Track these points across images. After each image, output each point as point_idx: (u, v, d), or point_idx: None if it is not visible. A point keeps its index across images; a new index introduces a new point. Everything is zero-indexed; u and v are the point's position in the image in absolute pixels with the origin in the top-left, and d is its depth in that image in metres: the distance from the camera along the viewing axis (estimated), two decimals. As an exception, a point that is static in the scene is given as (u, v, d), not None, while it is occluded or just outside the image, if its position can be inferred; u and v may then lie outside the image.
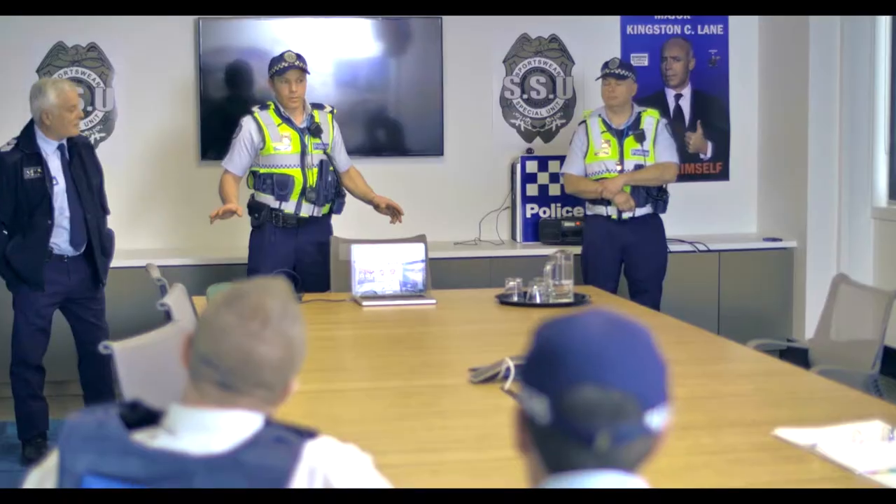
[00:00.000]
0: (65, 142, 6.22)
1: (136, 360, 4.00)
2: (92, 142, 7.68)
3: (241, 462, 2.09)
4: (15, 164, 6.09)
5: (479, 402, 4.08)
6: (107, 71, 8.02)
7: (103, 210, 6.47)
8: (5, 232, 6.13)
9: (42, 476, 2.17)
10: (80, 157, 6.28)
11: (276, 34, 8.03)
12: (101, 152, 7.61)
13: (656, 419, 1.84)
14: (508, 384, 4.09)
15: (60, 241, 6.20)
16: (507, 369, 4.16)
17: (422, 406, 4.06)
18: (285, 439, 2.14)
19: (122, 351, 3.95)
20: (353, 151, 7.78)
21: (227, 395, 2.16)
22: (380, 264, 6.15)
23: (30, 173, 6.09)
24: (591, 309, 1.91)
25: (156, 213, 8.13)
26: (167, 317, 4.75)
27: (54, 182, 6.14)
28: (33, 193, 6.10)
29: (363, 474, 2.17)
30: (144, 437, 2.14)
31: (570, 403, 1.78)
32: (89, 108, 7.98)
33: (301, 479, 2.09)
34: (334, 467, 2.14)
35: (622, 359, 1.81)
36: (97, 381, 6.33)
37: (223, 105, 7.96)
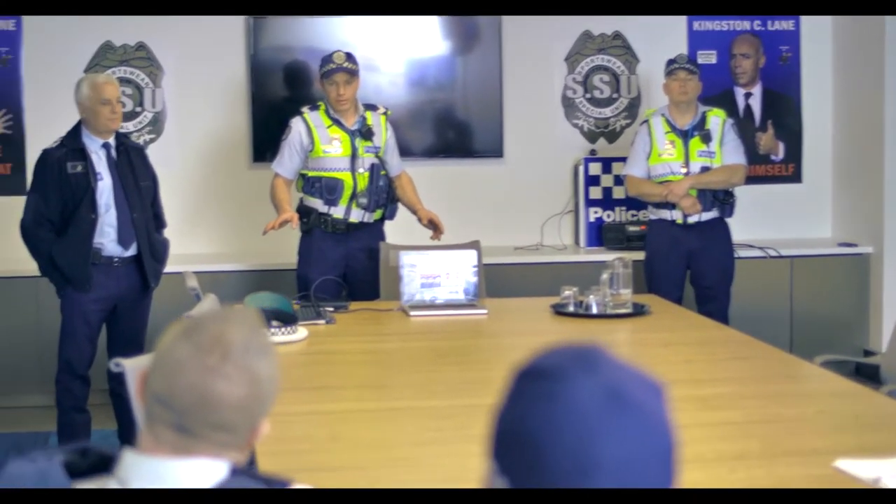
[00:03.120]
0: (112, 141, 6.06)
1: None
2: (142, 143, 7.55)
3: None
4: (59, 160, 5.97)
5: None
6: (156, 71, 7.83)
7: (157, 219, 6.28)
8: (54, 234, 5.97)
9: None
10: (129, 158, 6.11)
11: (330, 32, 7.80)
12: (151, 154, 7.43)
13: None
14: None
15: (107, 240, 6.03)
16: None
17: (456, 429, 3.77)
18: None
19: (135, 368, 3.71)
20: (411, 153, 7.60)
21: (184, 439, 1.89)
22: (430, 272, 5.89)
23: (73, 168, 5.96)
24: (592, 357, 1.53)
25: (206, 217, 7.92)
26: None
27: (98, 177, 6.00)
28: (77, 188, 5.95)
29: None
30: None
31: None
32: (138, 109, 7.81)
33: None
34: None
35: (617, 453, 1.45)
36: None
37: (277, 106, 7.71)
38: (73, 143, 6.02)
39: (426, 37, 8.06)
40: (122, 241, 6.05)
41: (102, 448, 1.95)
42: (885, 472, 3.13)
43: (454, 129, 8.23)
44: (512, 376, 1.56)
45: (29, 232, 6.00)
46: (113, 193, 6.03)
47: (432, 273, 5.88)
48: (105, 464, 1.93)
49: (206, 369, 1.88)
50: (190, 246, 7.75)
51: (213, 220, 7.94)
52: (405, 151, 7.80)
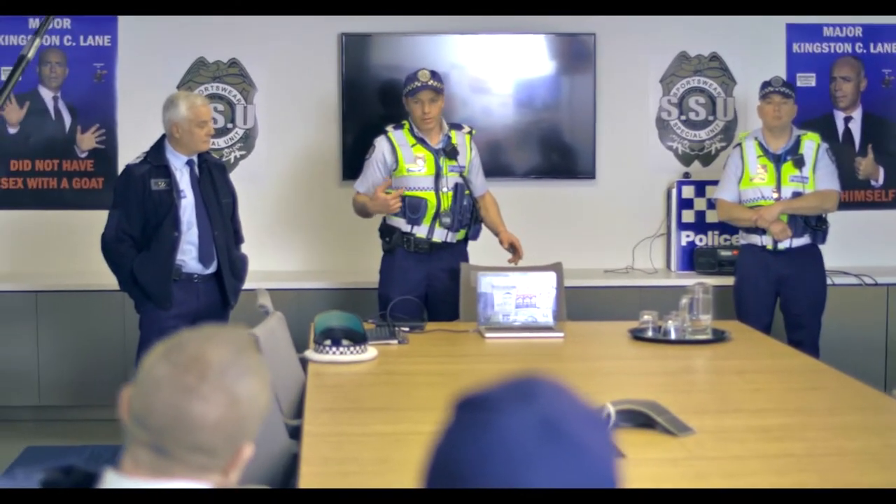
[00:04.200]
0: (195, 158, 6.07)
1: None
2: (231, 160, 7.61)
3: None
4: (143, 176, 5.97)
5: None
6: (248, 87, 7.85)
7: (236, 235, 6.28)
8: (135, 250, 5.98)
9: None
10: (211, 175, 6.11)
11: (426, 51, 7.77)
12: (241, 171, 7.53)
13: None
14: (608, 432, 3.72)
15: (188, 258, 6.03)
16: (608, 415, 3.79)
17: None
18: None
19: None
20: (504, 174, 7.61)
21: (161, 461, 1.84)
22: (508, 294, 5.82)
23: (157, 185, 5.96)
24: (531, 388, 1.46)
25: (294, 234, 7.92)
26: (255, 348, 4.48)
27: (182, 195, 6.00)
28: (160, 205, 5.95)
29: None
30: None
31: None
32: (229, 126, 7.84)
33: None
34: None
35: (546, 486, 1.36)
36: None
37: (368, 124, 7.66)
38: (156, 160, 6.02)
39: (531, 57, 8.00)
40: (203, 259, 6.06)
41: (88, 467, 1.91)
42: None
43: (552, 150, 8.15)
44: (450, 406, 1.49)
45: (110, 247, 6.02)
46: (195, 211, 6.04)
47: (511, 295, 5.81)
48: (89, 483, 1.89)
49: (182, 389, 1.84)
50: (276, 263, 7.76)
51: (300, 237, 7.93)
52: (506, 172, 7.80)
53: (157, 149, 6.06)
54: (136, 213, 5.97)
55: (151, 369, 1.87)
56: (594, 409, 1.46)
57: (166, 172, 5.99)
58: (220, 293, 6.15)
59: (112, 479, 1.86)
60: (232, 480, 1.92)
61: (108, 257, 6.04)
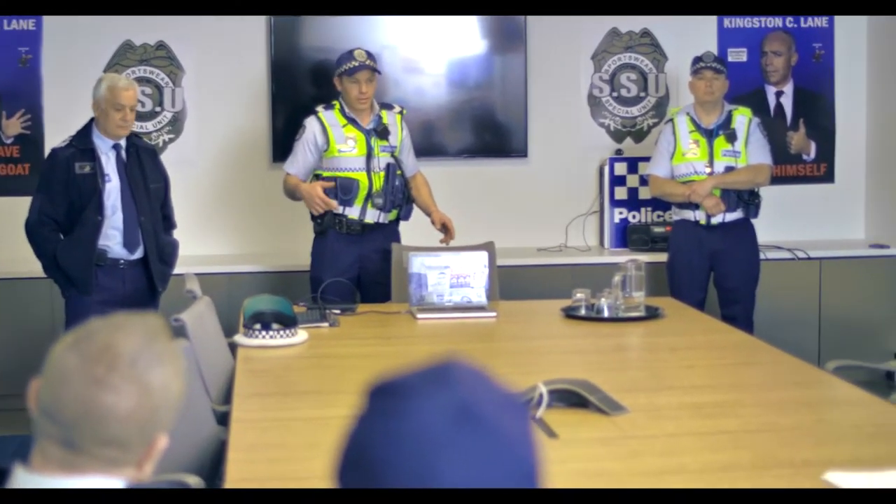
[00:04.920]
0: (123, 142, 5.95)
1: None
2: (160, 144, 7.51)
3: None
4: (67, 160, 5.88)
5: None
6: (176, 70, 7.74)
7: (168, 220, 6.18)
8: (59, 234, 5.89)
9: None
10: (139, 160, 6.00)
11: (354, 33, 7.69)
12: (170, 154, 7.43)
13: None
14: (540, 412, 3.69)
15: (113, 243, 5.93)
16: (540, 396, 3.75)
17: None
18: None
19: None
20: (437, 153, 7.59)
21: (71, 455, 1.77)
22: (439, 274, 5.76)
23: (82, 168, 5.86)
24: (446, 374, 1.40)
25: (224, 218, 7.83)
26: (181, 334, 4.41)
27: (107, 179, 5.90)
28: (84, 189, 5.85)
29: None
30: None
31: None
32: (157, 109, 7.73)
33: None
34: None
35: (461, 474, 1.31)
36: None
37: (298, 106, 7.57)
38: (82, 143, 5.91)
39: (463, 36, 7.95)
40: (128, 245, 5.95)
41: (-1, 462, 1.84)
42: (874, 484, 2.99)
43: (485, 129, 8.10)
44: (364, 393, 1.43)
45: (33, 231, 5.91)
46: (121, 196, 5.93)
47: (442, 275, 5.76)
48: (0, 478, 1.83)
49: (92, 380, 1.77)
50: (207, 247, 7.67)
51: (231, 221, 7.84)
52: (439, 151, 7.74)
53: (84, 132, 5.96)
54: (60, 197, 5.86)
55: (59, 360, 1.80)
56: (512, 394, 1.40)
57: (91, 156, 5.88)
58: (148, 279, 6.05)
59: (21, 476, 1.79)
60: (146, 473, 1.85)
61: (31, 241, 5.95)
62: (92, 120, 5.97)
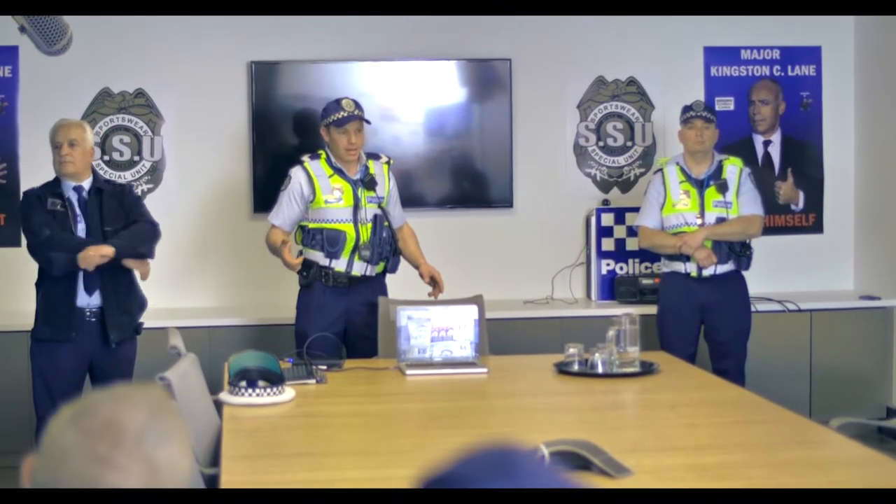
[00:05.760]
0: (86, 184, 5.94)
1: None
2: (139, 194, 7.34)
3: None
4: (38, 196, 5.94)
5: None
6: (155, 118, 7.61)
7: (152, 225, 6.08)
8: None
9: None
10: (100, 203, 5.90)
11: (327, 78, 7.58)
12: (149, 205, 7.19)
13: None
14: (542, 476, 3.54)
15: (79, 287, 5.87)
16: (542, 458, 3.61)
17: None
18: None
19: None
20: (423, 204, 7.48)
21: None
22: (423, 326, 5.62)
23: (54, 205, 5.89)
24: (509, 467, 1.25)
25: (205, 270, 7.68)
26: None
27: (77, 219, 5.89)
28: (63, 223, 5.86)
29: None
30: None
31: None
32: (136, 158, 7.60)
33: None
34: None
35: None
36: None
37: (279, 155, 7.46)
38: (52, 187, 5.97)
39: (442, 84, 7.84)
40: (88, 289, 5.87)
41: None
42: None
43: (466, 178, 7.99)
44: (415, 489, 1.29)
45: (41, 241, 5.85)
46: (86, 237, 5.88)
47: (431, 329, 5.62)
48: None
49: (94, 458, 1.62)
50: (187, 300, 7.53)
51: (211, 273, 7.69)
52: (418, 201, 7.61)
53: (56, 179, 5.99)
54: (46, 226, 5.85)
55: (57, 437, 1.65)
56: (573, 484, 1.26)
57: (61, 196, 5.91)
58: (102, 329, 5.89)
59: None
60: None
61: (41, 258, 5.87)
62: None
